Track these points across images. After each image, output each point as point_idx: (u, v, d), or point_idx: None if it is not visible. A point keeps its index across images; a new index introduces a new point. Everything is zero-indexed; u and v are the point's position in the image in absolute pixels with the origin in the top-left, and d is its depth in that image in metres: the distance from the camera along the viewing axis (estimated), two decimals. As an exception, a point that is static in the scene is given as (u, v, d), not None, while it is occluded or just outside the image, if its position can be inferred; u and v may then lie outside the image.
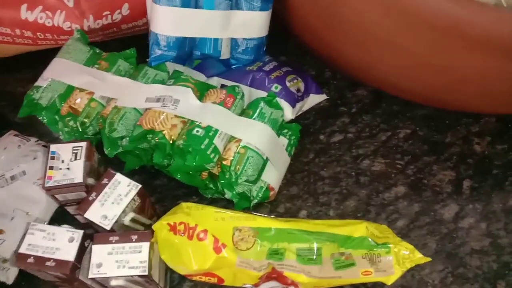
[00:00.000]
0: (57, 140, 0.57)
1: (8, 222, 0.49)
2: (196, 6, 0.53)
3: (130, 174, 0.47)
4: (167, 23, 0.52)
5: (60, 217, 0.53)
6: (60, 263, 0.38)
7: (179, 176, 0.52)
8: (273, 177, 0.52)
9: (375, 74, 0.57)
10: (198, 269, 0.43)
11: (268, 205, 0.56)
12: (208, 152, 0.48)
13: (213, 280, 0.45)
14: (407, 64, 0.51)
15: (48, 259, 0.38)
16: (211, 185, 0.52)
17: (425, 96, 0.58)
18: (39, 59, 0.65)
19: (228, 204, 0.54)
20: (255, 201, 0.51)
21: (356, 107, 0.65)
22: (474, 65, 0.46)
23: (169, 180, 0.56)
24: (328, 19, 0.53)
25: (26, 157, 0.55)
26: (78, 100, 0.52)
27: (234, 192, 0.50)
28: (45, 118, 0.53)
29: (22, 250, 0.39)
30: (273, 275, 0.44)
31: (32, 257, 0.38)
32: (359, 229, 0.44)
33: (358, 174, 0.59)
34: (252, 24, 0.56)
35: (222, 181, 0.49)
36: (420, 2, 0.45)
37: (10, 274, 0.49)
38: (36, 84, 0.54)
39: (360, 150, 0.61)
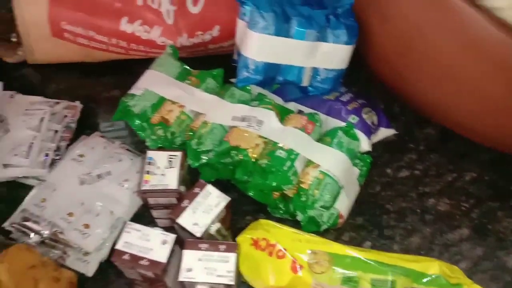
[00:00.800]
0: (135, 145, 0.60)
1: (94, 217, 0.52)
2: (287, 35, 0.56)
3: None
4: (259, 49, 0.55)
5: (136, 219, 0.56)
6: (153, 263, 0.41)
7: (252, 193, 0.54)
8: (344, 205, 0.54)
9: (447, 112, 0.58)
10: (275, 286, 0.45)
11: (333, 232, 0.57)
12: (289, 174, 0.50)
13: (284, 299, 0.47)
14: (484, 106, 0.52)
15: (142, 258, 0.41)
16: (281, 205, 0.54)
17: (497, 140, 0.58)
18: (123, 67, 0.70)
19: (295, 225, 0.56)
20: (325, 226, 0.53)
21: (423, 144, 0.66)
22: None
23: (240, 195, 0.58)
24: (406, 54, 0.55)
25: (111, 158, 0.58)
26: (171, 112, 0.55)
27: (306, 215, 0.52)
28: (135, 124, 0.57)
29: (119, 246, 0.42)
30: (344, 301, 0.45)
31: (128, 254, 0.41)
32: (432, 266, 0.45)
33: (423, 212, 0.60)
34: (336, 56, 0.58)
35: (296, 203, 0.51)
36: (501, 42, 0.46)
37: (90, 267, 0.52)
38: (131, 92, 0.58)
39: (426, 188, 0.62)
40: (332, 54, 0.58)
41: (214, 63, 0.65)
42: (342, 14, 0.58)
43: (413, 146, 0.66)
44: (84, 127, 0.65)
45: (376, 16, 0.58)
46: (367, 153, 0.60)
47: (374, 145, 0.65)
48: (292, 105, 0.62)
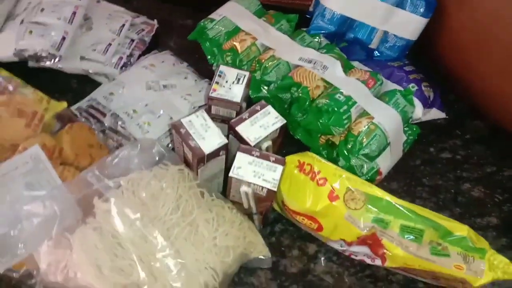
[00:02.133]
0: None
1: (155, 119, 0.56)
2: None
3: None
4: (339, 0, 0.58)
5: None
6: (196, 149, 0.45)
7: (299, 135, 0.57)
8: (385, 163, 0.56)
9: (507, 109, 0.59)
10: (309, 209, 0.48)
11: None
12: (344, 117, 0.53)
13: (313, 226, 0.50)
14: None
15: (193, 140, 0.45)
16: (324, 152, 0.57)
17: None
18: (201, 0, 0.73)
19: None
20: (363, 178, 0.55)
21: (470, 134, 0.68)
22: None
23: (287, 138, 0.61)
24: (479, 42, 0.56)
25: (178, 75, 0.62)
26: (243, 41, 0.59)
27: (348, 162, 0.54)
28: (206, 47, 0.60)
29: (184, 120, 0.46)
30: (370, 240, 0.48)
31: (185, 130, 0.45)
32: (461, 228, 0.47)
33: (456, 193, 0.62)
34: (409, 25, 0.60)
35: (341, 149, 0.54)
36: None
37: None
38: (211, 16, 0.62)
39: (464, 173, 0.64)
40: (406, 22, 0.60)
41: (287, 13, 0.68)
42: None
43: (459, 133, 0.67)
44: (156, 44, 0.69)
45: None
46: (417, 125, 0.62)
47: (423, 123, 0.66)
48: (356, 65, 0.64)
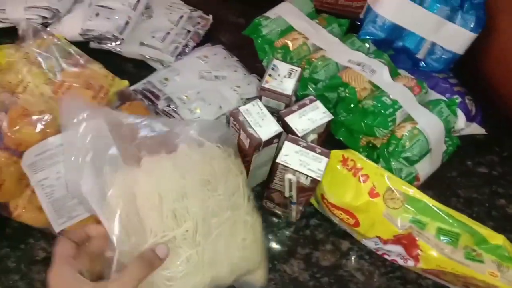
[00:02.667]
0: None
1: (206, 106, 0.59)
2: (421, 4, 0.60)
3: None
4: (391, 8, 0.60)
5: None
6: (253, 137, 0.47)
7: (341, 135, 0.59)
8: (424, 169, 0.57)
9: None
10: (348, 203, 0.49)
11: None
12: (389, 119, 0.54)
13: (350, 221, 0.51)
14: None
15: (250, 127, 0.47)
16: (364, 153, 0.58)
17: None
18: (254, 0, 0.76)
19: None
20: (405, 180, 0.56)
21: (508, 152, 0.68)
22: None
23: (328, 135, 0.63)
24: None
25: (229, 67, 0.65)
26: (295, 40, 0.61)
27: (388, 165, 0.56)
28: (259, 43, 0.63)
29: (242, 109, 0.49)
30: (405, 240, 0.49)
31: (242, 118, 0.48)
32: (497, 237, 0.48)
33: (491, 207, 0.62)
34: (457, 39, 0.62)
35: (383, 152, 0.55)
36: None
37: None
38: (266, 14, 0.64)
39: (500, 189, 0.64)
40: (454, 36, 0.62)
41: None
42: (476, 3, 0.61)
43: (497, 149, 0.68)
44: (209, 38, 0.72)
45: (508, 15, 0.60)
46: (457, 137, 0.63)
47: (463, 137, 0.67)
48: (402, 72, 0.66)
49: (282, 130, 0.48)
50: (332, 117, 0.51)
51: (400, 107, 0.55)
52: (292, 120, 0.50)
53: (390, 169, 0.56)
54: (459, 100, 0.61)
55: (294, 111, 0.50)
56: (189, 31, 0.69)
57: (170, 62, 0.65)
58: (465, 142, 0.67)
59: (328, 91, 0.58)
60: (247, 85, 0.63)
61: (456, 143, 0.62)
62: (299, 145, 0.47)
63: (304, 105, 0.51)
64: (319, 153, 0.47)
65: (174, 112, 0.59)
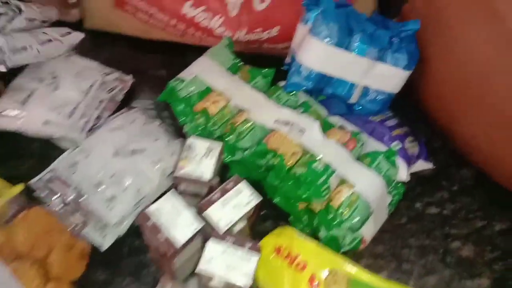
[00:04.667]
0: (174, 129, 0.60)
1: (121, 192, 0.53)
2: (348, 49, 0.55)
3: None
4: (316, 57, 0.55)
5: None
6: (168, 243, 0.41)
7: (277, 199, 0.54)
8: (369, 231, 0.53)
9: (492, 159, 0.56)
10: (287, 297, 0.44)
11: (351, 255, 0.56)
12: (322, 189, 0.49)
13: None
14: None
15: (161, 233, 0.41)
16: (303, 218, 0.54)
17: None
18: (174, 48, 0.70)
19: (314, 240, 0.55)
20: (345, 248, 0.52)
21: (457, 185, 0.65)
22: None
23: (264, 198, 0.58)
24: (462, 93, 0.54)
25: (149, 135, 0.59)
26: (215, 103, 0.55)
27: (329, 233, 0.51)
28: (177, 108, 0.57)
29: (150, 210, 0.42)
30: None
31: (152, 222, 0.41)
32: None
33: (445, 253, 0.59)
34: (391, 79, 0.58)
35: (322, 219, 0.51)
36: None
37: (106, 241, 0.52)
38: (180, 76, 0.58)
39: (453, 230, 0.61)
40: (387, 76, 0.57)
41: (265, 63, 0.65)
42: (405, 38, 0.57)
43: (446, 184, 0.65)
44: (128, 100, 0.66)
45: (438, 48, 0.57)
46: (402, 183, 0.59)
47: (409, 176, 0.64)
48: (336, 120, 0.61)
49: (202, 224, 0.43)
50: (260, 198, 0.45)
51: (334, 171, 0.50)
52: (214, 213, 0.44)
53: (332, 238, 0.51)
54: (398, 147, 0.57)
55: (215, 200, 0.45)
56: (102, 100, 0.61)
57: (80, 140, 0.57)
58: (412, 181, 0.63)
59: (257, 159, 0.53)
60: (170, 156, 0.56)
61: (401, 191, 0.58)
62: (224, 243, 0.42)
63: (227, 190, 0.46)
64: (249, 249, 0.42)
65: (86, 204, 0.52)
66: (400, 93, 0.62)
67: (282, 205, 0.54)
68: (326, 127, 0.56)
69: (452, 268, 0.57)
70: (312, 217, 0.52)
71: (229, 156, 0.54)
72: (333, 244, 0.52)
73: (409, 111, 0.69)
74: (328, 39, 0.53)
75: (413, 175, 0.64)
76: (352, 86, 0.58)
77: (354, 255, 0.56)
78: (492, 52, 0.49)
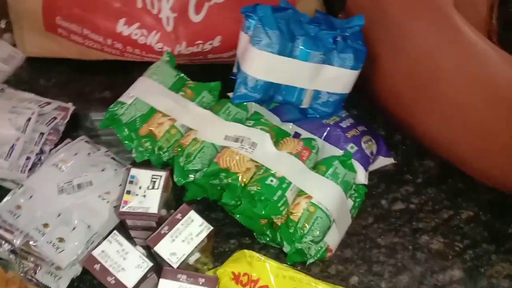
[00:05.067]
0: (122, 154, 0.58)
1: (70, 231, 0.50)
2: (291, 55, 0.53)
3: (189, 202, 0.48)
4: (260, 67, 0.53)
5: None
6: (119, 284, 0.38)
7: (238, 216, 0.52)
8: (333, 238, 0.52)
9: (451, 148, 0.56)
10: (252, 325, 0.42)
11: (320, 264, 0.55)
12: (279, 205, 0.47)
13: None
14: (491, 146, 0.50)
15: (111, 275, 0.38)
16: (268, 232, 0.52)
17: (500, 181, 0.56)
18: (118, 66, 0.67)
19: (280, 253, 0.54)
20: (312, 260, 0.50)
21: (422, 177, 0.64)
22: None
23: (225, 215, 0.56)
24: (416, 87, 0.53)
25: (95, 166, 0.55)
26: (160, 125, 0.52)
27: (293, 246, 0.49)
28: (122, 134, 0.54)
29: (95, 253, 0.39)
30: None
31: (99, 265, 0.39)
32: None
33: (415, 249, 0.58)
34: (340, 80, 0.56)
35: (284, 234, 0.49)
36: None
37: (62, 283, 0.49)
38: (120, 100, 0.55)
39: (420, 224, 0.60)
40: (336, 78, 0.55)
41: (213, 72, 0.62)
42: (351, 36, 0.55)
43: (410, 178, 0.64)
44: (71, 128, 0.62)
45: (387, 44, 0.55)
46: (363, 184, 0.57)
47: (371, 173, 0.62)
48: (289, 126, 0.59)
49: (151, 265, 0.40)
50: (211, 228, 0.43)
51: (289, 184, 0.48)
52: (164, 248, 0.41)
53: (297, 251, 0.49)
54: (354, 149, 0.55)
55: (164, 234, 0.42)
56: (42, 133, 0.58)
57: (22, 180, 0.54)
58: (375, 178, 0.62)
59: (210, 180, 0.50)
60: (118, 186, 0.53)
61: (363, 192, 0.56)
62: (178, 279, 0.39)
63: (176, 221, 0.43)
64: (203, 284, 0.39)
65: (35, 249, 0.48)
66: (355, 90, 0.60)
67: (244, 222, 0.52)
68: (280, 136, 0.54)
69: (423, 264, 0.56)
70: (274, 231, 0.50)
71: (181, 180, 0.52)
72: (299, 255, 0.50)
73: (366, 108, 0.68)
74: (269, 48, 0.50)
75: (375, 172, 0.63)
76: (302, 91, 0.56)
77: (323, 263, 0.54)
78: (437, 42, 0.48)
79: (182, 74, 0.58)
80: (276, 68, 0.53)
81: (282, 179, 0.48)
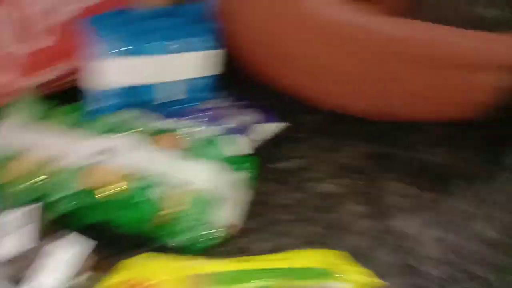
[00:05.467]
0: None
1: None
2: (143, 52, 0.53)
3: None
4: (108, 76, 0.52)
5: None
6: None
7: (123, 230, 0.51)
8: (234, 214, 0.52)
9: (318, 96, 0.60)
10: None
11: (227, 242, 0.54)
12: (155, 203, 0.48)
13: None
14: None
15: None
16: (163, 232, 0.51)
17: (371, 111, 0.60)
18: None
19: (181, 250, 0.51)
20: (213, 242, 0.51)
21: (313, 130, 0.66)
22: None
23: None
24: (262, 51, 0.57)
25: None
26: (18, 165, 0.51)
27: (188, 238, 0.49)
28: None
29: None
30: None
31: None
32: (317, 258, 0.44)
33: (317, 206, 0.59)
34: (202, 64, 0.57)
35: (174, 230, 0.49)
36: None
37: None
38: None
39: (315, 174, 0.61)
40: (198, 63, 0.56)
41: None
42: (199, 20, 0.56)
43: (301, 135, 0.65)
44: None
45: (228, 17, 0.57)
46: (250, 155, 0.58)
47: (264, 142, 0.63)
48: (166, 121, 0.59)
49: None
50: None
51: (164, 180, 0.49)
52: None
53: (191, 238, 0.49)
54: (233, 125, 0.56)
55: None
56: None
57: None
58: (270, 145, 0.63)
59: (80, 204, 0.49)
60: None
61: (253, 162, 0.57)
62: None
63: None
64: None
65: None
66: (230, 68, 0.61)
67: (132, 232, 0.51)
68: (152, 135, 0.54)
69: (322, 223, 0.57)
70: (165, 229, 0.50)
71: (51, 214, 0.50)
72: (195, 246, 0.50)
73: (245, 81, 0.68)
74: (115, 53, 0.50)
75: (268, 141, 0.63)
76: (165, 86, 0.56)
77: (229, 241, 0.54)
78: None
79: (37, 105, 0.56)
80: (128, 71, 0.53)
81: (155, 177, 0.49)
